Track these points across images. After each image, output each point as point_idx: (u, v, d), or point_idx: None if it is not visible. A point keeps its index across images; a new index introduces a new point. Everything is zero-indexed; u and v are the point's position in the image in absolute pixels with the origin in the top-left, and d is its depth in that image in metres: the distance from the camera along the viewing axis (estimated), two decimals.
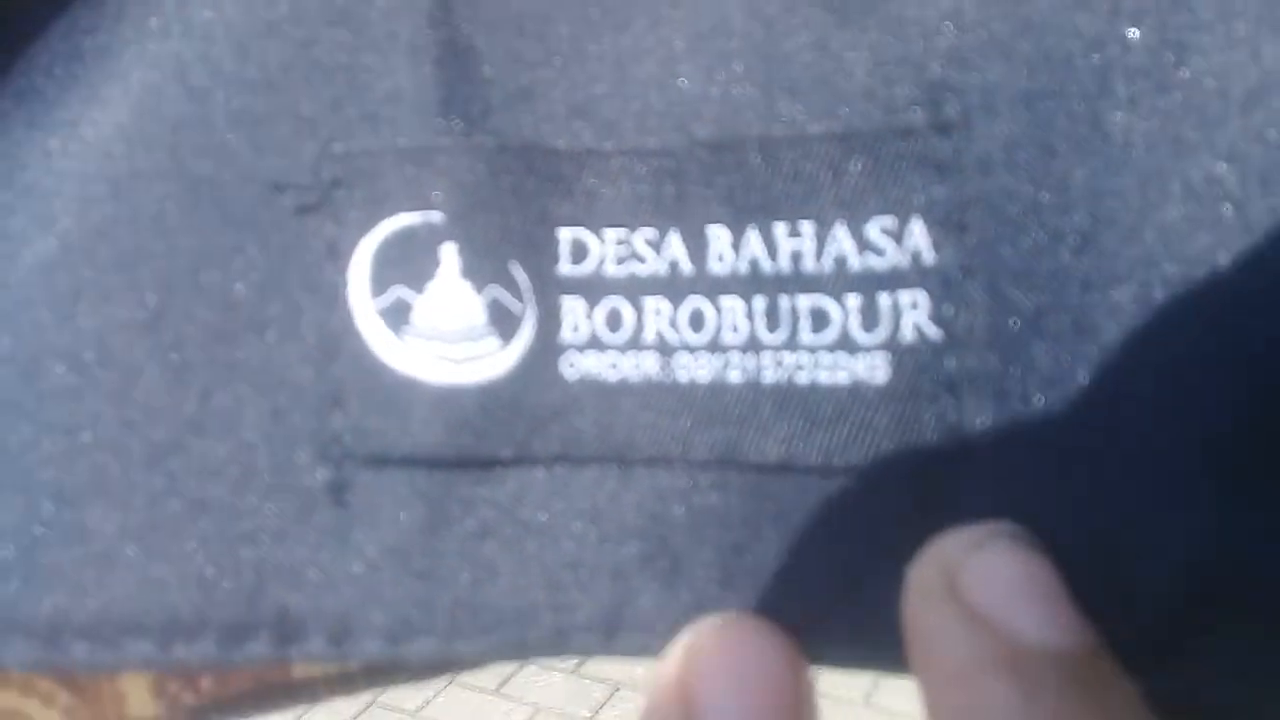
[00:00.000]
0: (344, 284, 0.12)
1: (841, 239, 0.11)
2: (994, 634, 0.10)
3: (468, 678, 1.61)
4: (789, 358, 0.11)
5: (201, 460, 0.11)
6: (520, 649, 0.12)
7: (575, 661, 1.60)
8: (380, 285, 0.12)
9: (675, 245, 0.11)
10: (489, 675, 1.60)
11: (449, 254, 0.12)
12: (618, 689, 1.55)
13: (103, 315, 0.12)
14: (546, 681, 1.58)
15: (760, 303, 0.11)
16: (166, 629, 0.11)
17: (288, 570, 0.12)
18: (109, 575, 0.11)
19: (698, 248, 0.11)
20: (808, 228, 0.11)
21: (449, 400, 0.11)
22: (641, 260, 0.12)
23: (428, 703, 1.58)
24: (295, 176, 0.12)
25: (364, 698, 1.60)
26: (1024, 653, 0.09)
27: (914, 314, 0.11)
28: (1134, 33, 0.10)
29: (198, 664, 0.11)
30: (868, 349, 0.11)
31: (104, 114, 0.12)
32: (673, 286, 0.11)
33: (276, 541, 0.12)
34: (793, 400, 0.11)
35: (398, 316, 0.12)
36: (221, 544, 0.11)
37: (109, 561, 0.11)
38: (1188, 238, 0.10)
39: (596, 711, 1.51)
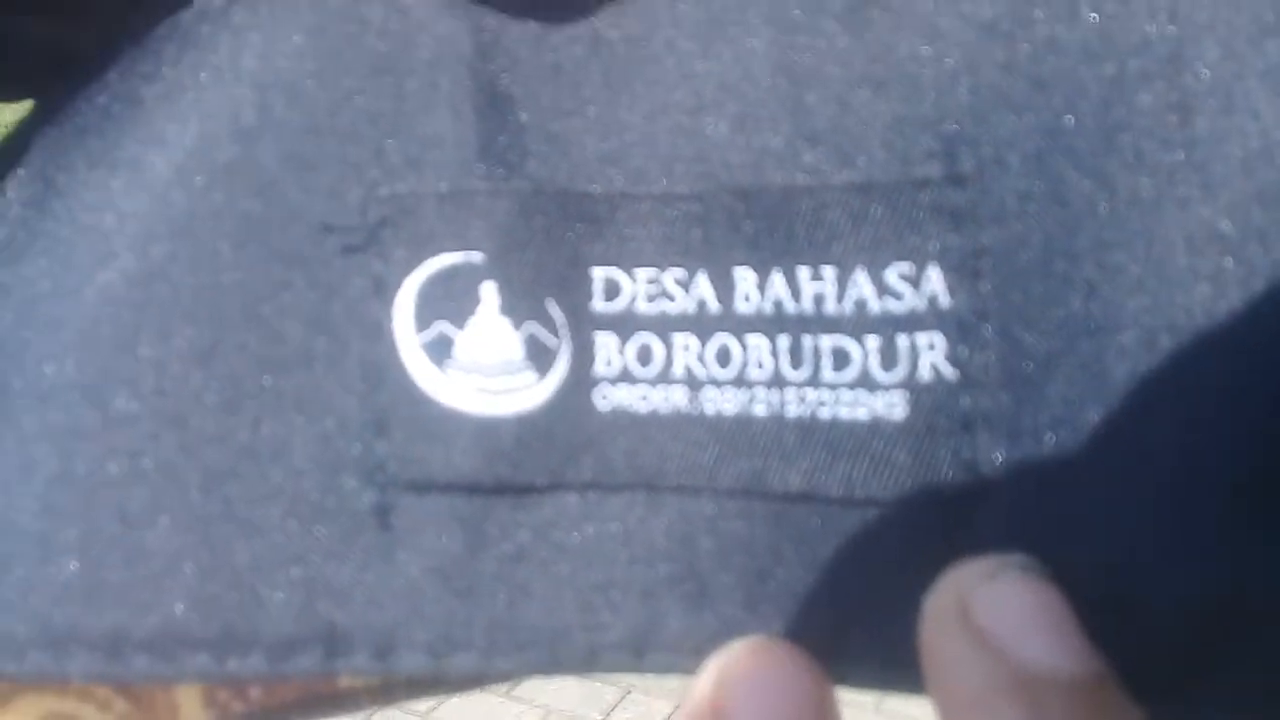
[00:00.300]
0: (389, 319, 0.12)
1: (862, 283, 0.11)
2: (1005, 660, 0.10)
3: None
4: (811, 394, 0.12)
5: (254, 485, 0.12)
6: (553, 666, 0.13)
7: None
8: (423, 321, 0.12)
9: (703, 285, 0.12)
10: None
11: (489, 292, 0.12)
12: (629, 692, 1.55)
13: (161, 347, 0.12)
14: (558, 684, 1.59)
15: (784, 341, 0.12)
16: (221, 643, 0.12)
17: (335, 589, 0.12)
18: (167, 592, 0.12)
19: (725, 288, 0.12)
20: (829, 272, 0.12)
21: (488, 430, 0.12)
22: (671, 299, 0.12)
23: (440, 704, 1.59)
24: (343, 218, 0.12)
25: None
26: (1034, 679, 0.10)
27: (931, 355, 0.11)
28: (1094, 15, 0.10)
29: (250, 677, 0.12)
30: (886, 387, 0.11)
31: (162, 156, 0.13)
32: (701, 324, 0.12)
33: (325, 561, 0.12)
34: (815, 434, 0.11)
35: (440, 350, 0.12)
36: (273, 564, 0.12)
37: (167, 580, 0.12)
38: (1191, 288, 0.10)
39: (608, 715, 1.52)
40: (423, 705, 1.57)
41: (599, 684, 1.57)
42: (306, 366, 0.12)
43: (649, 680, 1.55)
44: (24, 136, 0.14)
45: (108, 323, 0.12)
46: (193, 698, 0.14)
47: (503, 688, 1.57)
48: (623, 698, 1.54)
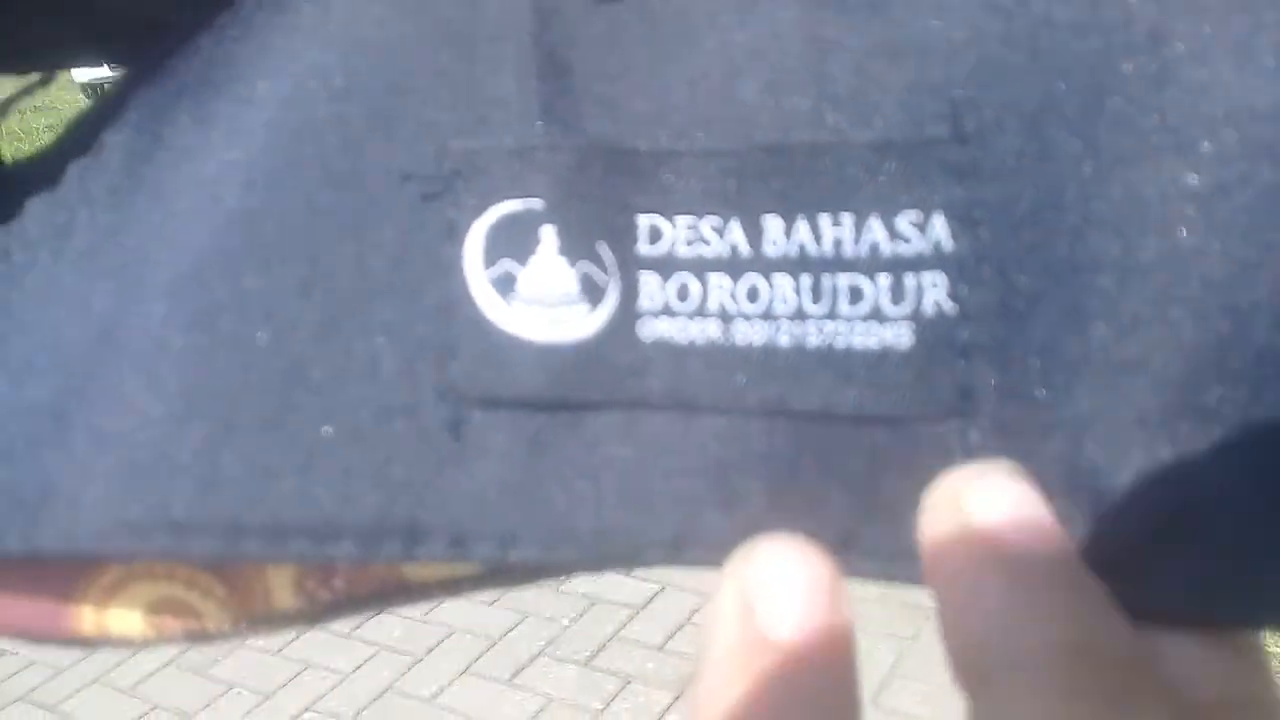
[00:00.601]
0: (460, 258, 0.14)
1: (875, 229, 0.13)
2: (990, 542, 0.12)
3: (481, 667, 1.63)
4: (829, 326, 0.13)
5: (349, 400, 0.14)
6: (602, 561, 0.14)
7: (588, 654, 1.62)
8: (490, 259, 0.14)
9: (736, 231, 0.14)
10: (502, 666, 1.63)
11: (548, 234, 0.14)
12: (629, 682, 1.57)
13: (264, 279, 0.14)
14: (559, 675, 1.60)
15: (806, 280, 0.13)
16: (318, 531, 0.14)
17: (415, 488, 0.14)
18: (275, 488, 0.14)
19: (755, 234, 0.13)
20: (848, 219, 0.13)
21: (547, 355, 0.14)
22: (707, 243, 0.14)
23: (442, 690, 1.60)
24: (420, 169, 0.14)
25: (382, 684, 1.62)
26: (1013, 557, 0.12)
27: (934, 292, 0.13)
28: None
29: (341, 560, 0.14)
30: (894, 320, 0.13)
31: (258, 112, 0.14)
32: (733, 265, 0.14)
33: (406, 465, 0.14)
34: (832, 361, 0.13)
35: (505, 285, 0.14)
36: (363, 466, 0.14)
37: (275, 477, 0.14)
38: (1162, 234, 0.12)
39: (608, 704, 1.53)
40: (426, 690, 1.58)
41: (599, 674, 1.58)
42: (389, 298, 0.14)
43: (648, 671, 1.56)
44: (120, 98, 0.16)
45: (215, 259, 0.14)
46: (284, 585, 0.16)
47: (505, 675, 1.59)
48: (622, 687, 1.55)
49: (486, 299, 0.14)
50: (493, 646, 1.71)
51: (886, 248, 0.13)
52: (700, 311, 0.13)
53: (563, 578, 0.15)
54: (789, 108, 0.13)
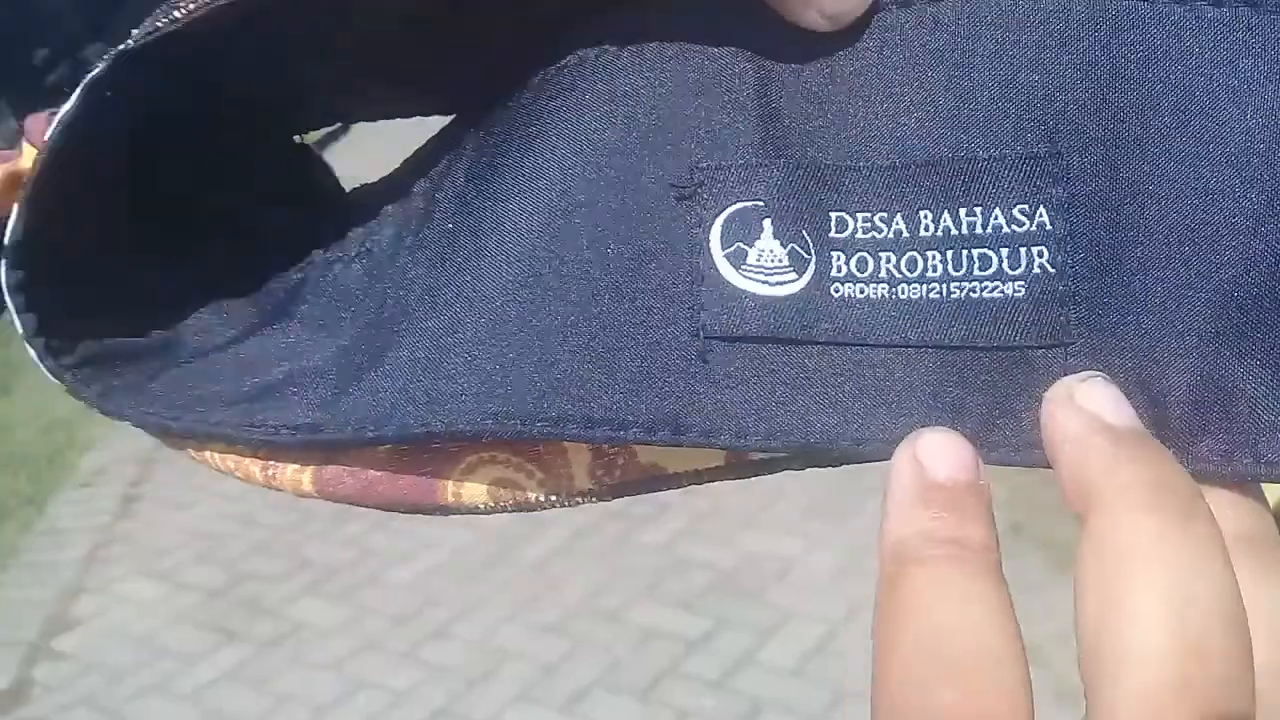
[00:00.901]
0: (706, 240, 0.19)
1: (999, 217, 0.19)
2: (1095, 418, 0.18)
3: (537, 694, 1.62)
4: (967, 284, 0.19)
5: (633, 337, 0.20)
6: (827, 458, 0.20)
7: (644, 686, 1.61)
8: (727, 242, 0.20)
9: (899, 221, 0.19)
10: (558, 694, 1.62)
11: (767, 225, 0.20)
12: (686, 717, 1.55)
13: (575, 254, 0.20)
14: (614, 706, 1.59)
15: (950, 253, 0.19)
16: (615, 422, 0.20)
17: (678, 395, 0.20)
18: (587, 393, 0.20)
19: (913, 223, 0.19)
20: (979, 211, 0.19)
21: (766, 305, 0.19)
22: (879, 231, 0.19)
23: (496, 715, 1.60)
24: (678, 180, 0.20)
25: (436, 706, 1.62)
26: (1110, 423, 0.17)
27: (1041, 259, 0.18)
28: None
29: (631, 442, 0.20)
30: (1013, 279, 0.19)
31: (567, 140, 0.20)
32: (897, 245, 0.19)
33: (672, 380, 0.20)
34: (969, 308, 0.19)
35: (738, 259, 0.20)
36: (644, 380, 0.19)
37: (586, 386, 0.20)
38: (1205, 214, 0.18)
39: None
40: (481, 714, 1.58)
41: (656, 707, 1.57)
42: (658, 266, 0.20)
43: (706, 708, 1.55)
44: (455, 133, 0.23)
45: (542, 240, 0.20)
46: (582, 468, 0.22)
47: (560, 703, 1.58)
48: None
49: (724, 267, 0.20)
50: (549, 674, 1.70)
51: (1006, 230, 0.19)
52: (873, 278, 0.19)
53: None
54: (936, 135, 0.19)
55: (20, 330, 0.22)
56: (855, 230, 0.19)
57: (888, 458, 0.19)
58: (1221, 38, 0.18)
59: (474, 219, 0.21)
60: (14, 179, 0.22)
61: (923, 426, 0.18)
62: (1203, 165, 0.18)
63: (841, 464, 0.20)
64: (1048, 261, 0.18)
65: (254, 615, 1.88)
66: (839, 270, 0.19)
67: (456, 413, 0.20)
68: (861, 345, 0.19)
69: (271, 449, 0.23)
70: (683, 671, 1.66)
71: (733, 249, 0.19)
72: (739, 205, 0.19)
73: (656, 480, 0.22)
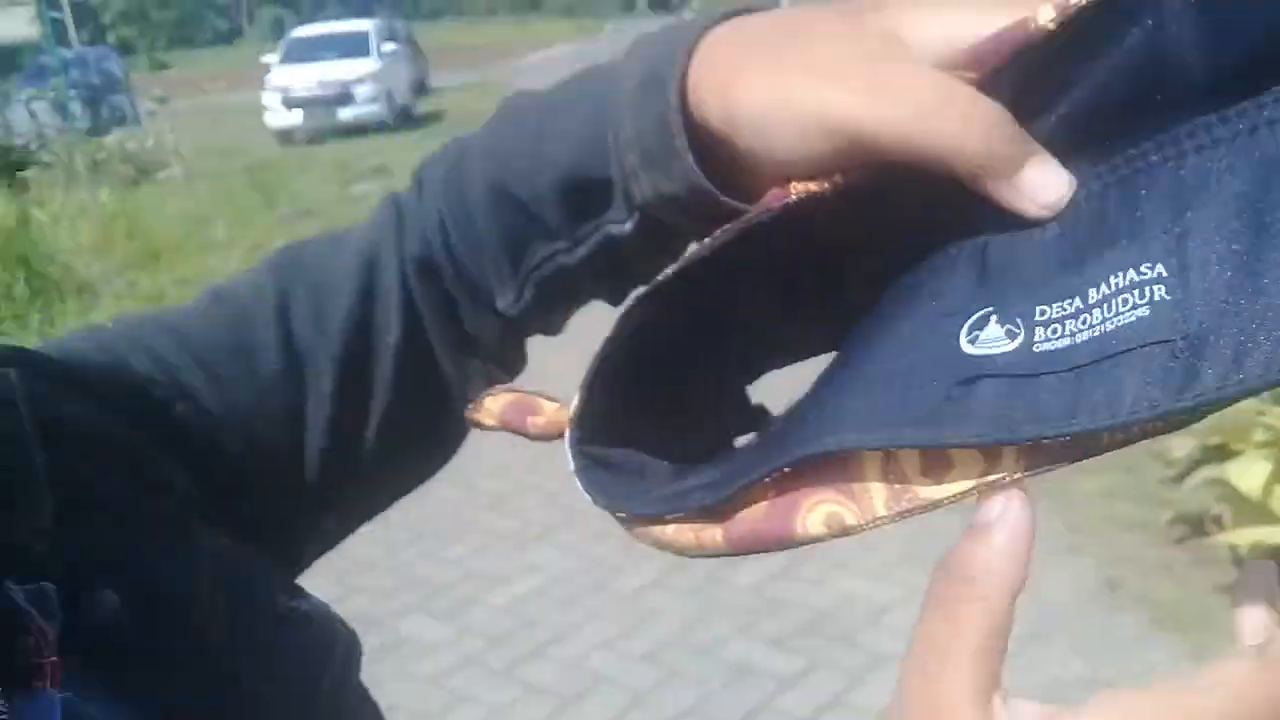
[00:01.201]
0: (958, 333, 0.28)
1: (1130, 273, 0.26)
2: None
3: (632, 719, 1.65)
4: (1117, 315, 0.26)
5: (918, 379, 0.28)
6: (1033, 461, 0.26)
7: None
8: (970, 333, 0.28)
9: (1074, 301, 0.27)
10: (651, 719, 1.64)
11: (993, 320, 0.28)
12: None
13: (887, 326, 0.30)
14: None
15: (1107, 298, 0.26)
16: (932, 436, 0.27)
17: (947, 415, 0.27)
18: (903, 419, 0.27)
19: (1083, 296, 0.27)
20: (1120, 272, 0.26)
21: (990, 361, 0.27)
22: (1063, 309, 0.27)
23: None
24: (942, 302, 0.29)
25: None
26: None
27: (1159, 291, 0.25)
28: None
29: (948, 447, 0.26)
30: (1142, 305, 0.25)
31: (897, 284, 0.31)
32: (1075, 315, 0.26)
33: (941, 403, 0.27)
34: (1120, 327, 0.25)
35: (971, 338, 0.27)
36: (921, 404, 0.27)
37: (905, 411, 0.27)
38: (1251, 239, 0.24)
39: None
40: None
41: None
42: (930, 343, 0.28)
43: None
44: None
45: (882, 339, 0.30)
46: (879, 501, 0.27)
47: None
48: None
49: (967, 345, 0.28)
50: (640, 701, 1.74)
51: (1137, 278, 0.26)
52: (1061, 334, 0.26)
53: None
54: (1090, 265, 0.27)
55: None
56: (1046, 314, 0.27)
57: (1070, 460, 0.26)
58: None
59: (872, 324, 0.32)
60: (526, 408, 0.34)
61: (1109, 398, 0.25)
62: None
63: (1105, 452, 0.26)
64: (1164, 293, 0.25)
65: (364, 628, 1.96)
66: (1037, 338, 0.27)
67: (832, 433, 0.28)
68: (1049, 375, 0.26)
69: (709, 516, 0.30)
70: (774, 707, 1.68)
71: (971, 337, 0.28)
72: (974, 316, 0.28)
73: (921, 507, 0.27)
